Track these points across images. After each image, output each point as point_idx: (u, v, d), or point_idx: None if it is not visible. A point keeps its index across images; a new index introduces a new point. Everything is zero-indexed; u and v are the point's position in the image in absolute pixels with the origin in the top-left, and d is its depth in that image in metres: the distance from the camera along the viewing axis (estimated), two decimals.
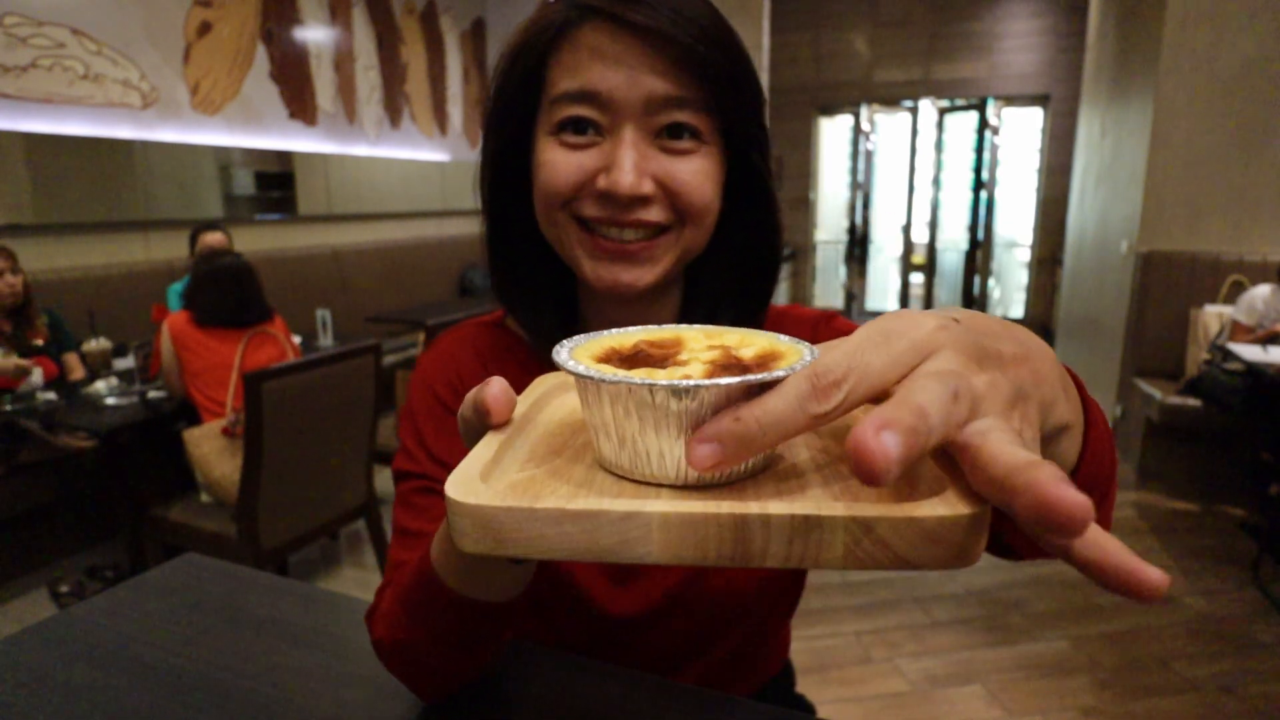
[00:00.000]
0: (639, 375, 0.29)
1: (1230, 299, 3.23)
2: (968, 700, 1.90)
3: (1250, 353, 2.70)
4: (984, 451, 0.24)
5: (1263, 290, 2.92)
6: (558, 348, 0.33)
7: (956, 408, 0.25)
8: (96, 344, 2.50)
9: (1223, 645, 2.12)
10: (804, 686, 0.84)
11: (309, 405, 1.98)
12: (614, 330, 0.37)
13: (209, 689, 0.56)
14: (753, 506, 0.26)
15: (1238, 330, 2.94)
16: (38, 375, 2.32)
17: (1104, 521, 0.43)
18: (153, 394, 2.32)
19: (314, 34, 4.01)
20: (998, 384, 0.27)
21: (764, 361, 0.31)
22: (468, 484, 0.29)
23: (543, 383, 0.43)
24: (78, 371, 2.46)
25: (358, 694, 0.56)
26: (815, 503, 0.26)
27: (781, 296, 6.88)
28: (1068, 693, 1.92)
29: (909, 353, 0.26)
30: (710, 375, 0.30)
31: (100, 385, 2.36)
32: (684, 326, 0.38)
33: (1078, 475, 0.38)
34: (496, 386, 0.34)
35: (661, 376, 0.29)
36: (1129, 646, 2.12)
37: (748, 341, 0.34)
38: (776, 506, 0.26)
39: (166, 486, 2.33)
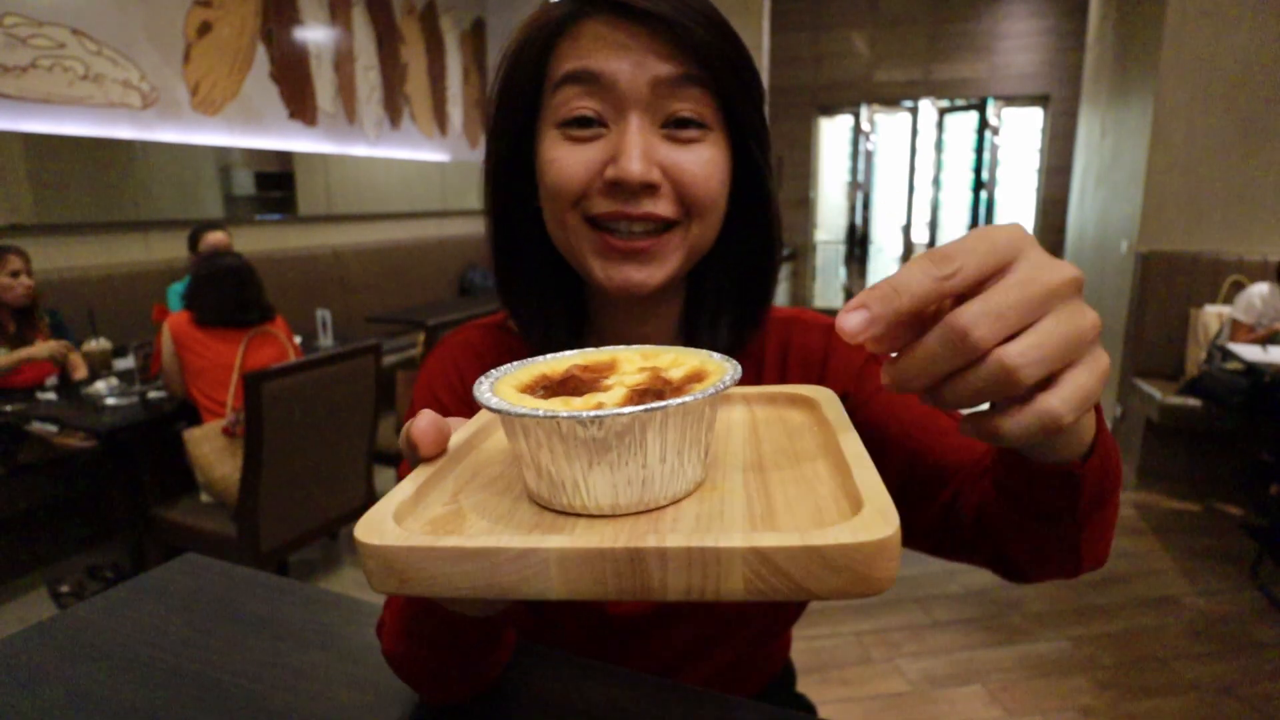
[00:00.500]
0: (549, 407, 0.29)
1: (1230, 299, 3.23)
2: (968, 700, 1.90)
3: (1250, 353, 2.70)
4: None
5: (1261, 288, 2.92)
6: (482, 379, 0.34)
7: (935, 268, 0.29)
8: (96, 344, 2.50)
9: (1223, 645, 2.12)
10: (804, 686, 0.84)
11: (309, 405, 1.98)
12: (550, 356, 0.38)
13: (209, 689, 0.56)
14: (650, 540, 0.26)
15: (1237, 329, 2.94)
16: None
17: (1106, 521, 0.44)
18: (153, 394, 2.32)
19: (314, 34, 4.01)
20: (1080, 280, 0.30)
21: (690, 380, 0.32)
22: (375, 524, 0.29)
23: (486, 412, 0.42)
24: (81, 370, 2.47)
25: (358, 694, 0.56)
26: (714, 534, 0.26)
27: (781, 296, 6.88)
28: (1068, 693, 1.92)
29: (1005, 246, 0.30)
30: (630, 400, 0.30)
31: (100, 385, 2.36)
32: (622, 348, 0.38)
33: (1092, 455, 0.38)
34: (424, 420, 0.34)
35: (576, 405, 0.30)
36: (1129, 646, 2.12)
37: (680, 361, 0.35)
38: (674, 539, 0.25)
39: (167, 486, 2.33)
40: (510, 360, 0.64)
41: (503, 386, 0.34)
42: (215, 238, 2.80)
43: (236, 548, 1.96)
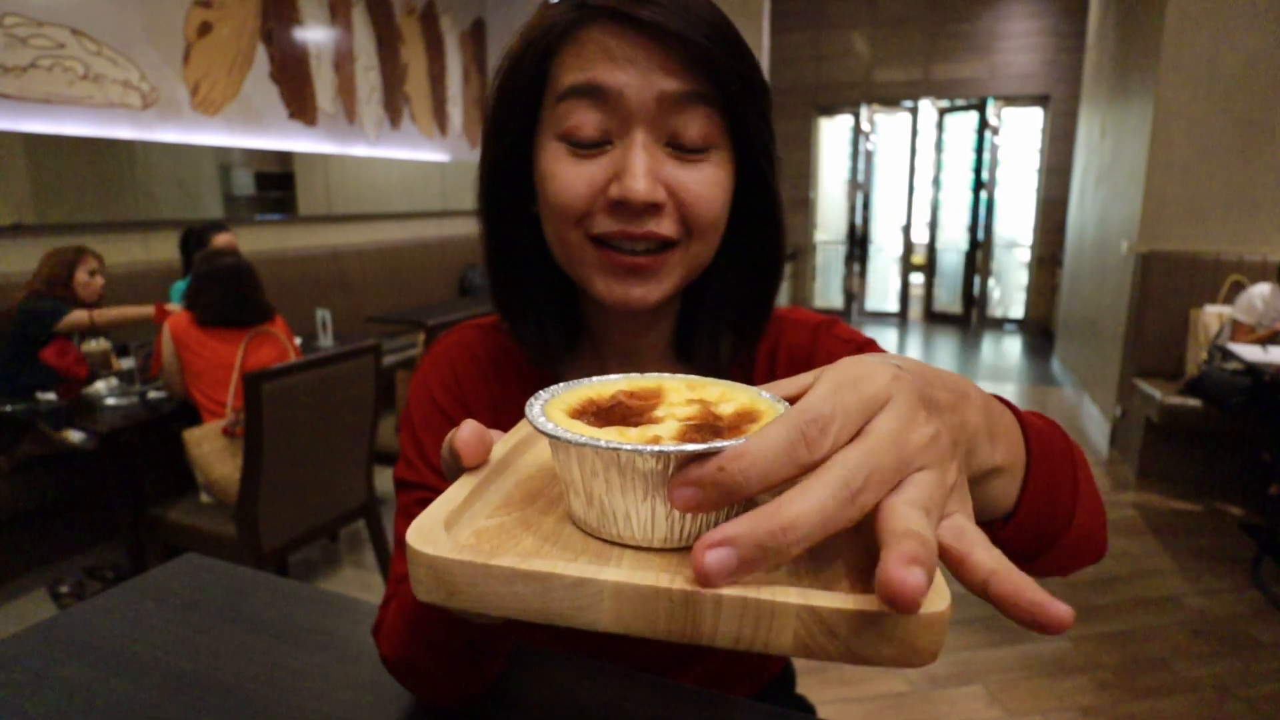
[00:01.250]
0: (607, 437, 0.29)
1: (1230, 299, 3.23)
2: (968, 700, 1.90)
3: (1250, 353, 2.70)
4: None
5: (1262, 289, 2.92)
6: (532, 400, 0.33)
7: (805, 452, 0.25)
8: (96, 344, 2.50)
9: (1223, 645, 2.12)
10: (804, 687, 0.84)
11: (309, 405, 1.98)
12: (594, 380, 0.37)
13: (209, 689, 0.56)
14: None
15: (1238, 330, 2.94)
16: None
17: (1062, 556, 0.44)
18: (153, 394, 2.32)
19: (314, 34, 4.01)
20: (940, 437, 0.28)
21: (740, 421, 0.31)
22: (429, 532, 0.29)
23: (527, 424, 0.41)
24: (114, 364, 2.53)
25: (357, 694, 0.56)
26: (771, 588, 0.25)
27: (782, 297, 6.85)
28: (1068, 693, 1.92)
29: (873, 399, 0.27)
30: (683, 435, 0.30)
31: (100, 385, 2.36)
32: (667, 376, 0.38)
33: (1014, 517, 0.38)
34: (468, 430, 0.34)
35: (632, 436, 0.29)
36: (1129, 646, 2.12)
37: (728, 397, 0.34)
38: (731, 587, 0.25)
39: (167, 487, 2.33)
40: (507, 363, 0.65)
41: (552, 410, 0.33)
42: (222, 240, 2.81)
43: (236, 548, 1.96)
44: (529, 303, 0.60)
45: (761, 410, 0.32)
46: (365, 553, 2.69)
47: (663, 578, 0.26)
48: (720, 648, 0.26)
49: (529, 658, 0.61)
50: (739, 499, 0.26)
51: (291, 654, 0.61)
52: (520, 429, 0.41)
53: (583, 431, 0.30)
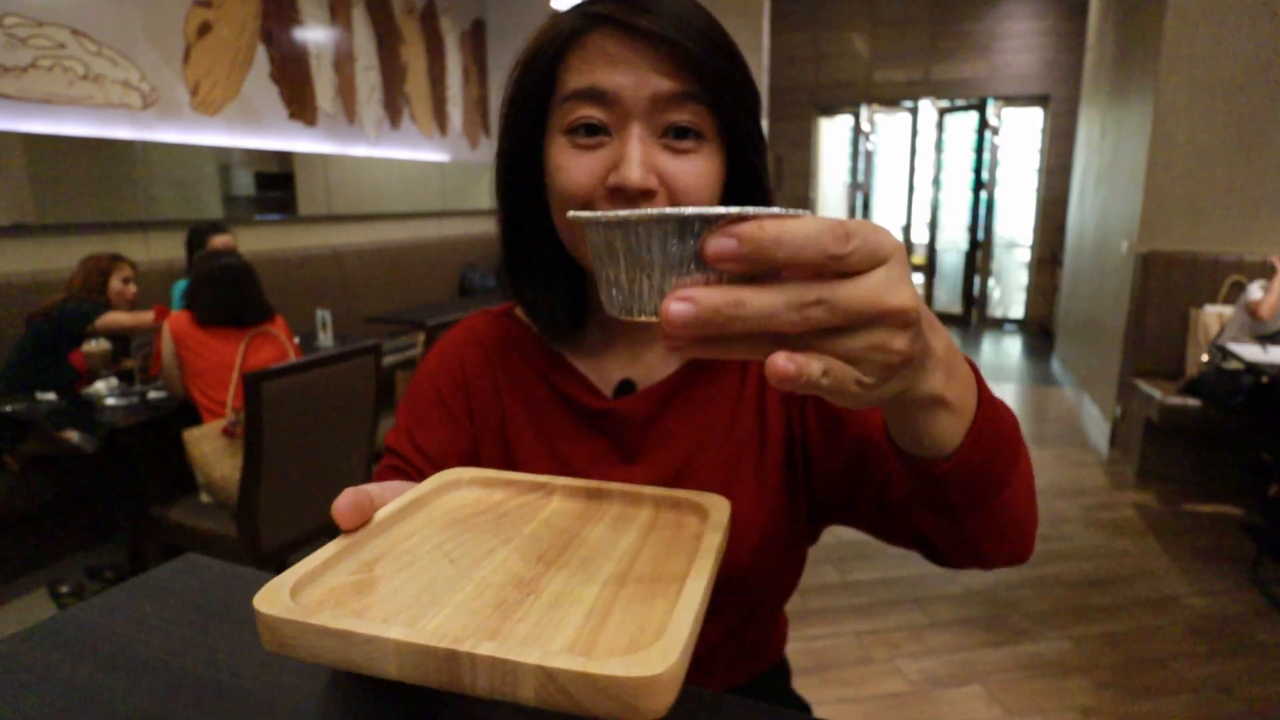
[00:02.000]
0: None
1: (1230, 299, 3.23)
2: (968, 700, 1.90)
3: (1250, 353, 2.70)
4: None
5: (1258, 287, 2.95)
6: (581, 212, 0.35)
7: (834, 245, 0.28)
8: (97, 344, 2.50)
9: (1223, 645, 2.12)
10: (804, 687, 0.84)
11: (309, 405, 1.98)
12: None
13: (209, 689, 0.56)
14: (465, 644, 0.30)
15: (1257, 306, 2.89)
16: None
17: (988, 525, 0.47)
18: (153, 394, 2.32)
19: (314, 34, 4.01)
20: (908, 312, 0.30)
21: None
22: (273, 593, 0.34)
23: (434, 480, 0.51)
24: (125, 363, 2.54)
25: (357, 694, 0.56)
26: (519, 649, 0.30)
27: None
28: (1068, 693, 1.93)
29: (882, 248, 0.29)
30: None
31: (100, 385, 2.36)
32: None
33: (954, 456, 0.41)
34: (344, 500, 0.41)
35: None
36: (1129, 646, 2.12)
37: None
38: (486, 648, 0.29)
39: (167, 487, 2.34)
40: (514, 351, 0.70)
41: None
42: (220, 240, 2.82)
43: (236, 548, 1.96)
44: (540, 285, 0.66)
45: None
46: None
47: (433, 639, 0.30)
48: (481, 696, 0.30)
49: None
50: (766, 263, 0.28)
51: None
52: (414, 492, 0.48)
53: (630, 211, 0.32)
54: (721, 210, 0.28)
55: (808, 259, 0.28)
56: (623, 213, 0.30)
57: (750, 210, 0.28)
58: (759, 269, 0.28)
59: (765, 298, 0.28)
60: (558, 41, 0.57)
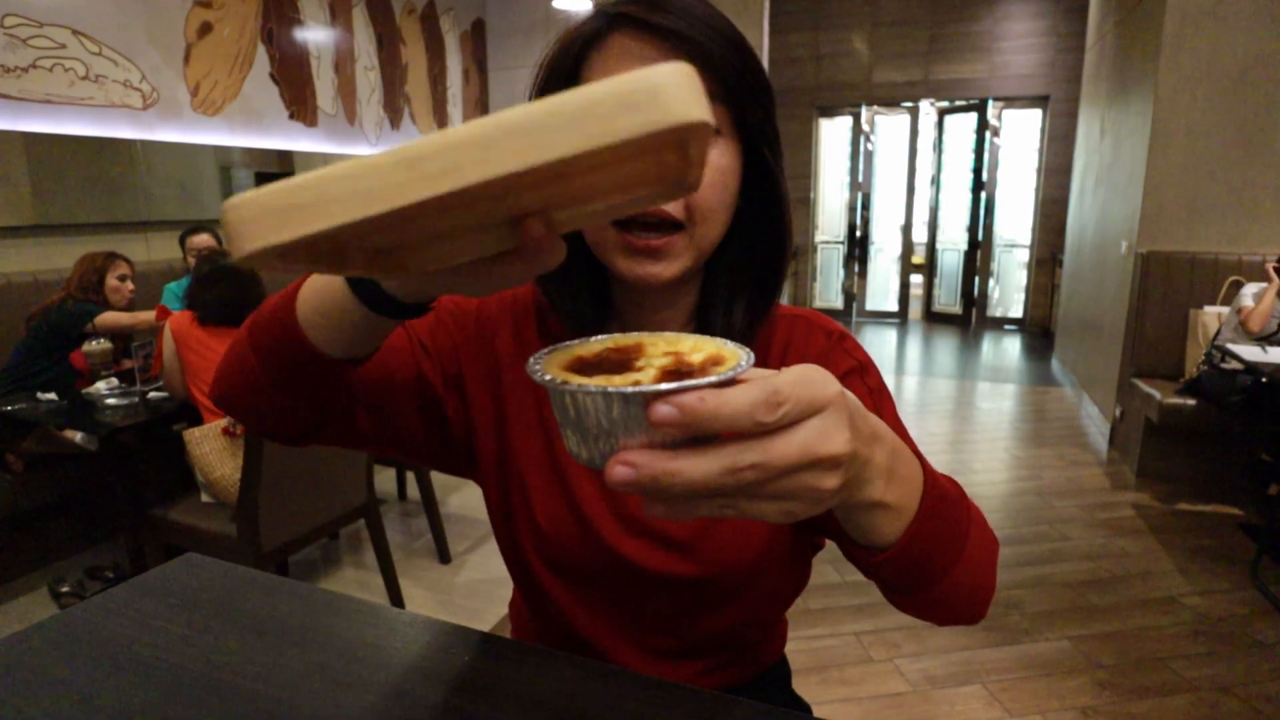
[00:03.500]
0: (595, 383, 0.33)
1: (1229, 300, 3.23)
2: (968, 700, 1.90)
3: (1250, 353, 2.70)
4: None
5: (1255, 287, 2.97)
6: (532, 360, 0.37)
7: (766, 414, 0.30)
8: (97, 345, 2.50)
9: (1223, 645, 2.12)
10: (804, 687, 0.85)
11: None
12: (580, 340, 0.42)
13: (209, 689, 0.56)
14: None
15: (1247, 317, 2.90)
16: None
17: (934, 602, 0.50)
18: (153, 394, 2.32)
19: (314, 34, 4.01)
20: (840, 459, 0.33)
21: (708, 364, 0.35)
22: (248, 193, 0.29)
23: None
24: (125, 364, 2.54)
25: (357, 694, 0.56)
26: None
27: (782, 297, 6.88)
28: (1068, 693, 1.93)
29: (815, 402, 0.32)
30: (659, 379, 0.33)
31: (101, 385, 2.36)
32: (647, 335, 0.42)
33: (887, 552, 0.43)
34: None
35: (617, 381, 0.33)
36: (1129, 646, 2.12)
37: (699, 347, 0.38)
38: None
39: (167, 487, 2.34)
40: (528, 322, 0.71)
41: (549, 366, 0.37)
42: (199, 240, 2.84)
43: (236, 548, 1.96)
44: (567, 284, 0.67)
45: (726, 356, 0.36)
46: (365, 553, 2.69)
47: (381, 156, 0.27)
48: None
49: (527, 657, 0.61)
50: (704, 432, 0.30)
51: (291, 654, 0.61)
52: None
53: (577, 381, 0.33)
54: (663, 387, 0.30)
55: (742, 428, 0.30)
56: (573, 385, 0.32)
57: (689, 383, 0.30)
58: (698, 435, 0.31)
59: (701, 466, 0.30)
60: (580, 42, 0.59)
